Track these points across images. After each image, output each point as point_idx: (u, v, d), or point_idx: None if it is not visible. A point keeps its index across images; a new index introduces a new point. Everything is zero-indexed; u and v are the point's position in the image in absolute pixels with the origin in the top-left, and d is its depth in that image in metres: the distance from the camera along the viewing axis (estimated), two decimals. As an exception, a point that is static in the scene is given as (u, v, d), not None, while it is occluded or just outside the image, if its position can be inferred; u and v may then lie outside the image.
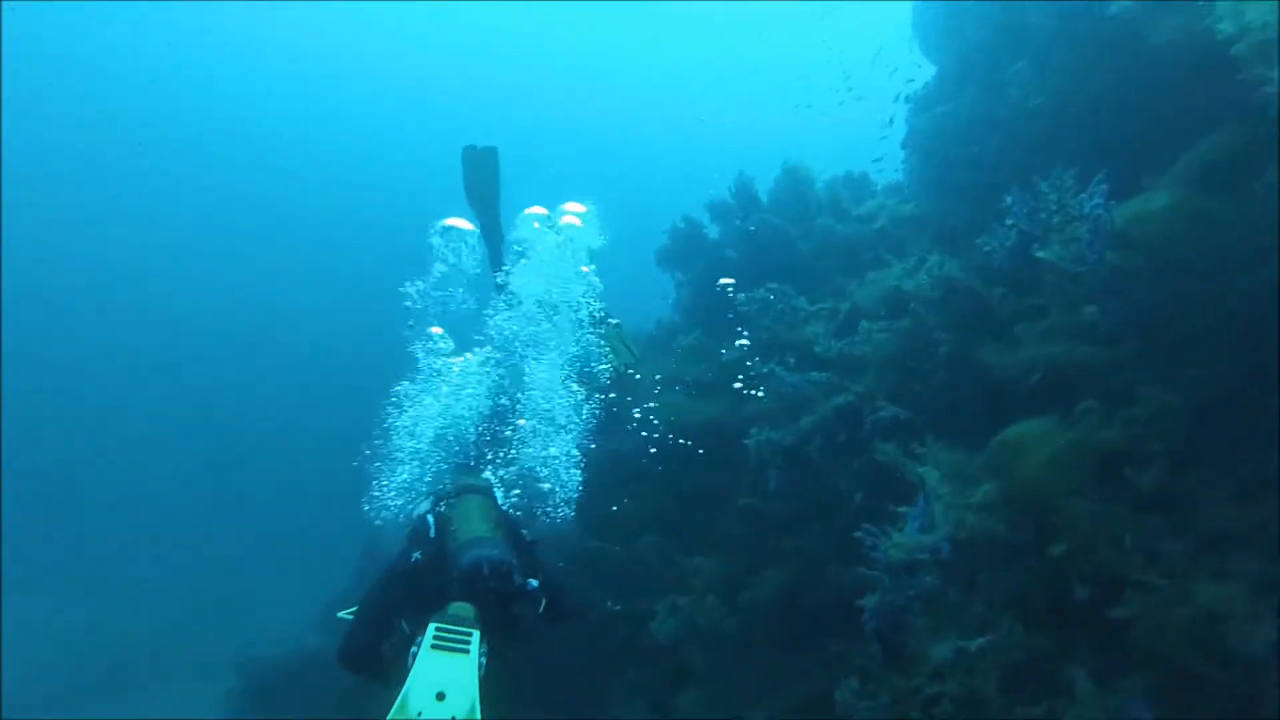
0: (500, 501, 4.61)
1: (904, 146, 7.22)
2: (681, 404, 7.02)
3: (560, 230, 5.78)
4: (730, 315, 7.08)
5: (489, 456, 5.35)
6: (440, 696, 2.88)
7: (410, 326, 5.76)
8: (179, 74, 36.76)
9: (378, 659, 3.56)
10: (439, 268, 5.68)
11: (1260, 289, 4.03)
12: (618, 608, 6.59)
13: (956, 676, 4.41)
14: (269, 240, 39.76)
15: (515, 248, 5.72)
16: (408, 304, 5.70)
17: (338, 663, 3.73)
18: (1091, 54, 5.10)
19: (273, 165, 40.16)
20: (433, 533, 3.76)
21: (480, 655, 3.10)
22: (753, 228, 7.72)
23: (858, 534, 4.79)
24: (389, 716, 2.81)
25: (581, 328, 5.80)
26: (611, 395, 6.90)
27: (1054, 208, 5.09)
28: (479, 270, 5.72)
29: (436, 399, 5.58)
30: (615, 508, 6.96)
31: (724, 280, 7.78)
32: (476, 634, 3.15)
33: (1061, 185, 5.02)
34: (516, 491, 5.09)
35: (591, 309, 5.82)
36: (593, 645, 6.76)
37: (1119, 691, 4.00)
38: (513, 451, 5.44)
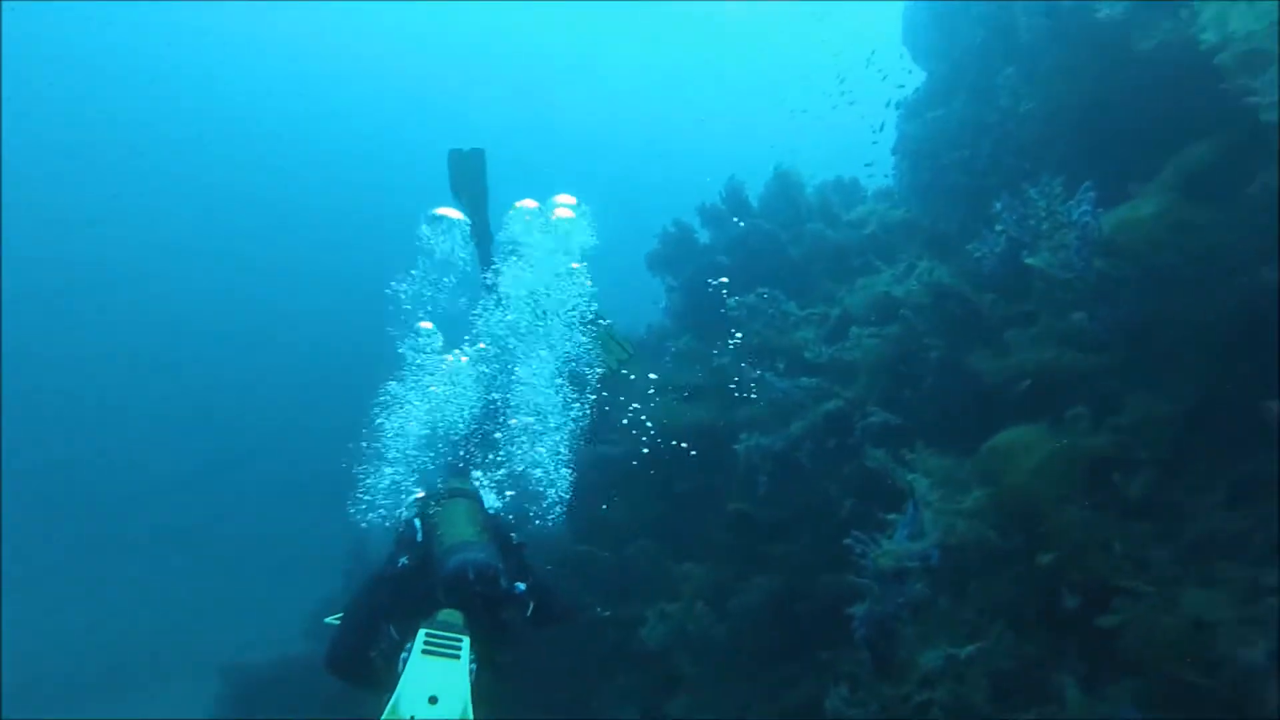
0: (492, 503, 4.61)
1: (894, 152, 7.22)
2: (672, 408, 6.99)
3: (552, 226, 5.75)
4: (722, 310, 7.04)
5: (479, 458, 5.31)
6: (433, 700, 2.88)
7: (401, 321, 5.71)
8: (179, 74, 36.70)
9: (365, 665, 3.54)
10: (426, 260, 5.64)
11: (1244, 296, 4.03)
12: (607, 613, 6.56)
13: (946, 684, 4.40)
14: (269, 240, 39.71)
15: (506, 246, 5.69)
16: (394, 301, 5.67)
17: (325, 669, 3.69)
18: (1080, 60, 5.10)
19: (272, 165, 40.09)
20: (419, 537, 3.73)
21: (470, 661, 3.11)
22: (742, 225, 7.69)
23: (847, 541, 4.78)
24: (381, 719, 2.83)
25: (572, 327, 5.77)
26: (604, 393, 6.86)
27: (1043, 214, 5.10)
28: (469, 264, 5.68)
29: (424, 399, 5.56)
30: (605, 507, 6.94)
31: (719, 279, 7.75)
32: (466, 640, 3.14)
33: (1050, 192, 5.04)
34: (511, 493, 5.06)
35: (582, 309, 5.79)
36: (582, 651, 6.73)
37: (1108, 699, 4.00)
38: (502, 453, 5.41)
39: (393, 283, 5.67)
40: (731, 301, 6.73)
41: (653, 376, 7.33)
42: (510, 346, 5.74)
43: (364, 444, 5.35)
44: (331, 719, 6.71)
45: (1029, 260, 5.13)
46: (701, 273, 7.97)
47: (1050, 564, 4.37)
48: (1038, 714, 4.16)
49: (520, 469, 5.38)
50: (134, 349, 36.62)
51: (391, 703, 2.86)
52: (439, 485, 4.30)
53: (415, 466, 5.25)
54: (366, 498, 5.03)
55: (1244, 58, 3.61)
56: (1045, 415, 4.91)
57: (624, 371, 6.45)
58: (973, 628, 4.49)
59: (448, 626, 3.16)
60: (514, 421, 5.62)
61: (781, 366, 6.31)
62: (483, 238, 5.61)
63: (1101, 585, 4.20)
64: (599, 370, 5.94)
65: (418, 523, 3.85)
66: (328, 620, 3.85)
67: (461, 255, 5.64)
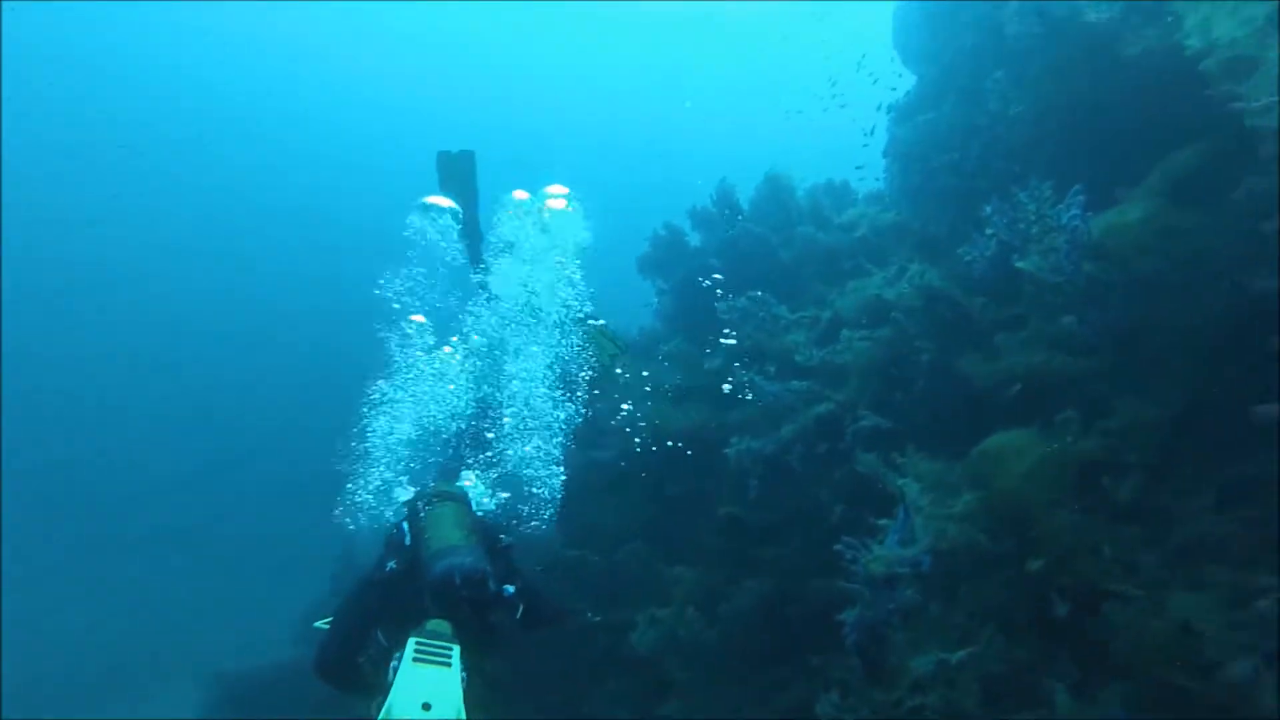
0: (484, 503, 4.60)
1: (885, 155, 7.21)
2: (663, 411, 6.98)
3: (545, 216, 5.72)
4: (715, 308, 7.03)
5: (470, 458, 5.28)
6: (426, 707, 2.87)
7: (391, 316, 5.69)
8: (179, 74, 36.68)
9: (354, 670, 3.53)
10: (416, 249, 5.61)
11: (1229, 300, 4.04)
12: (598, 618, 6.54)
13: (937, 689, 4.41)
14: (268, 240, 39.74)
15: (497, 245, 5.67)
16: (381, 293, 5.65)
17: (314, 674, 3.66)
18: (1069, 63, 5.11)
19: (272, 166, 40.09)
20: (408, 540, 3.72)
21: (461, 669, 3.11)
22: (730, 231, 7.68)
23: (838, 547, 4.78)
24: None
25: (563, 326, 5.74)
26: (596, 392, 6.84)
27: (1032, 218, 5.10)
28: (459, 260, 5.65)
29: (414, 397, 5.54)
30: (596, 515, 6.92)
31: (713, 277, 7.73)
32: (457, 649, 3.15)
33: (1040, 196, 5.04)
34: (505, 494, 5.05)
35: (574, 308, 5.77)
36: (574, 656, 6.71)
37: (1098, 702, 4.01)
38: (493, 453, 5.38)
39: (384, 276, 5.65)
40: (722, 305, 6.72)
41: (645, 374, 7.32)
42: (502, 341, 5.72)
43: (352, 444, 5.33)
44: (321, 720, 6.69)
45: (1019, 264, 5.13)
46: (692, 276, 7.96)
47: (1040, 568, 4.37)
48: (1028, 718, 4.17)
49: (511, 468, 5.36)
50: (134, 349, 36.62)
51: (385, 709, 2.86)
52: (428, 487, 4.29)
53: (404, 466, 5.22)
54: (353, 499, 5.01)
55: (1228, 64, 3.61)
56: (1035, 419, 4.91)
57: (616, 369, 6.43)
58: (963, 632, 4.49)
59: (437, 635, 3.15)
60: (506, 419, 5.60)
61: (772, 370, 6.30)
62: (473, 238, 5.60)
63: (1091, 589, 4.21)
64: (590, 370, 5.93)
65: (406, 526, 3.85)
66: (317, 624, 3.84)
67: (445, 244, 5.60)
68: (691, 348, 7.43)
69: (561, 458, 5.61)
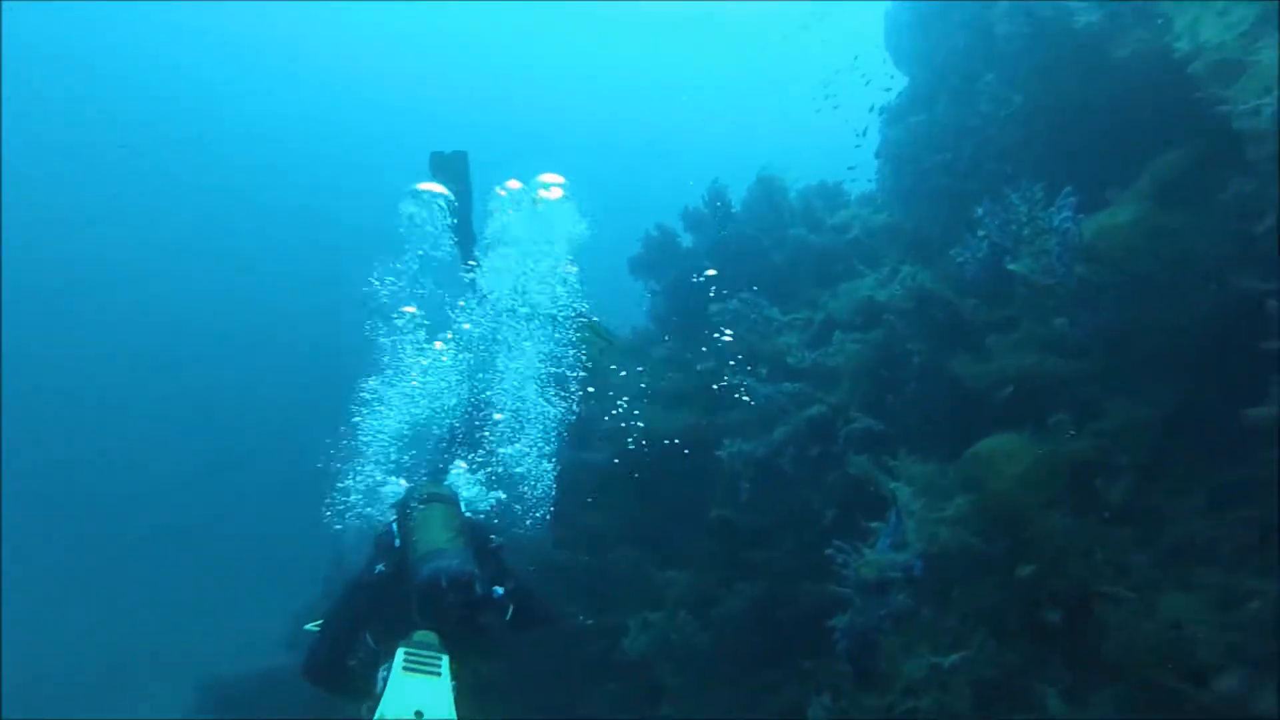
0: (474, 499, 4.59)
1: (878, 156, 7.20)
2: (654, 413, 6.96)
3: (539, 215, 5.69)
4: (706, 309, 6.99)
5: (464, 457, 5.25)
6: (418, 715, 2.87)
7: (382, 308, 5.65)
8: (179, 74, 36.68)
9: (343, 673, 3.52)
10: (407, 236, 5.59)
11: (1218, 302, 4.04)
12: (590, 622, 6.52)
13: (930, 692, 4.41)
14: (269, 240, 39.72)
15: (489, 238, 5.65)
16: (371, 286, 5.63)
17: (302, 677, 3.67)
18: (1059, 65, 5.11)
19: (273, 165, 40.07)
20: (398, 542, 3.70)
21: (450, 679, 3.11)
22: (724, 231, 7.67)
23: (829, 551, 4.77)
24: None
25: (554, 320, 5.71)
26: (590, 389, 6.80)
27: (1024, 220, 5.09)
28: (450, 255, 5.62)
29: (405, 395, 5.51)
30: (588, 517, 6.90)
31: (706, 274, 7.72)
32: (446, 659, 3.14)
33: (1031, 198, 5.04)
34: (498, 494, 5.03)
35: (567, 303, 5.74)
36: (566, 660, 6.70)
37: (1091, 705, 4.01)
38: (484, 452, 5.35)
39: (376, 267, 5.62)
40: (714, 307, 6.71)
41: (637, 375, 7.29)
42: (493, 337, 5.69)
43: (343, 442, 5.31)
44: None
45: (1011, 266, 5.13)
46: (684, 277, 7.95)
47: (1032, 572, 4.37)
48: (1021, 721, 4.17)
49: (502, 467, 5.33)
50: (134, 349, 36.60)
51: (377, 715, 2.86)
52: (418, 488, 4.28)
53: (393, 465, 5.20)
54: (342, 499, 5.00)
55: (1215, 67, 3.61)
56: (1027, 420, 4.91)
57: (605, 363, 6.37)
58: (955, 635, 4.48)
59: (425, 646, 3.14)
60: (498, 416, 5.58)
61: (764, 372, 6.29)
62: (465, 237, 5.58)
63: (1083, 591, 4.21)
64: (581, 369, 5.90)
65: (395, 527, 3.85)
66: (307, 627, 3.83)
67: (436, 231, 5.56)
68: (683, 349, 7.42)
69: (553, 453, 5.59)
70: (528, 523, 5.38)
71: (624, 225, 9.18)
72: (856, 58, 7.95)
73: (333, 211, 40.17)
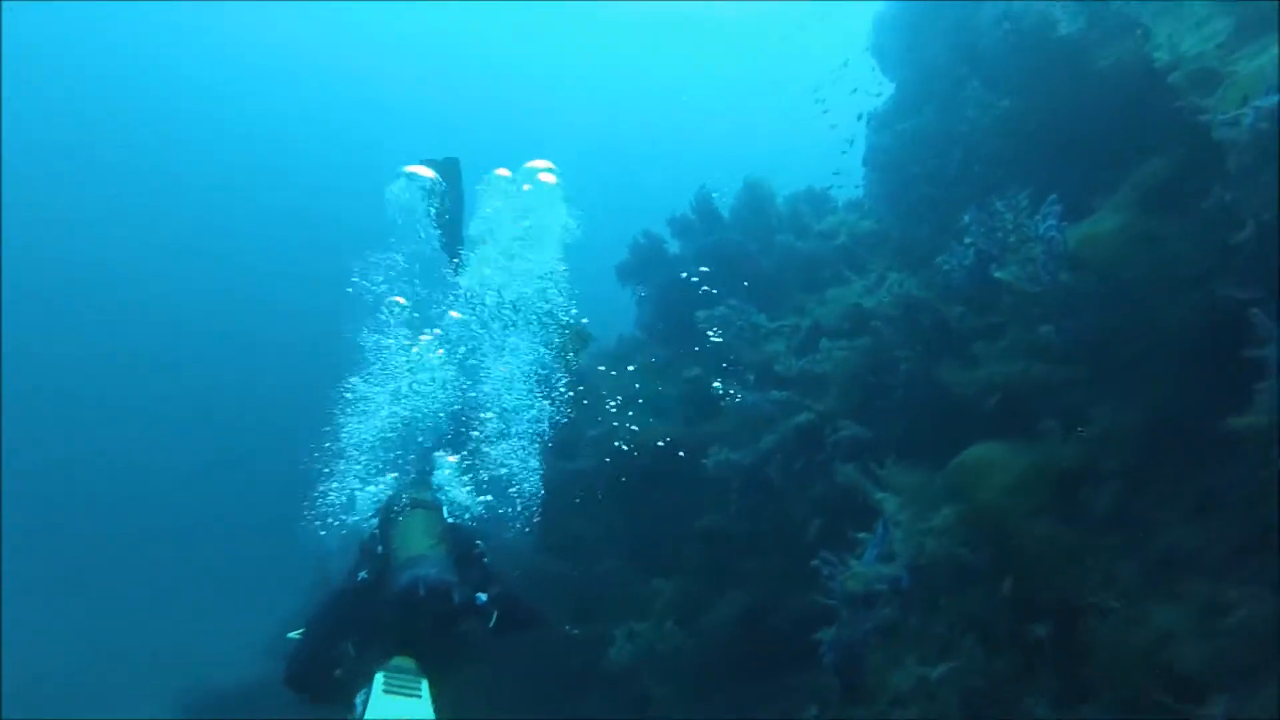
0: (459, 498, 4.57)
1: (865, 163, 7.18)
2: (641, 421, 6.94)
3: (529, 210, 5.66)
4: (693, 316, 6.97)
5: (453, 459, 5.21)
6: None
7: (370, 301, 5.62)
8: (180, 74, 36.64)
9: (324, 681, 3.50)
10: (396, 229, 5.56)
11: (1200, 309, 4.04)
12: (576, 631, 6.48)
13: (918, 702, 4.41)
14: (269, 240, 39.74)
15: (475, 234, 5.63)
16: (361, 278, 5.60)
17: (284, 685, 3.65)
18: (1044, 74, 5.11)
19: (273, 166, 40.07)
20: (380, 548, 3.70)
21: (430, 702, 3.10)
22: (710, 238, 7.65)
23: (815, 563, 4.77)
24: None
25: (540, 318, 5.69)
26: (581, 388, 6.75)
27: (1010, 228, 5.10)
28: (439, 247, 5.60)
29: (392, 393, 5.49)
30: (574, 526, 6.87)
31: (698, 273, 7.70)
32: (425, 682, 3.13)
33: (1017, 205, 5.04)
34: (488, 497, 5.01)
35: (555, 299, 5.72)
36: (552, 670, 6.66)
37: (1080, 716, 4.01)
38: (470, 454, 5.32)
39: (368, 256, 5.59)
40: (701, 314, 6.69)
41: (630, 369, 7.27)
42: (478, 336, 5.67)
43: (326, 444, 5.29)
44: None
45: (997, 274, 5.13)
46: (671, 284, 7.93)
47: (1020, 581, 4.37)
48: (1009, 732, 4.17)
49: (491, 469, 5.31)
50: (135, 349, 36.62)
51: None
52: (400, 494, 4.27)
53: (379, 466, 5.18)
54: (323, 503, 4.98)
55: (1194, 77, 3.61)
56: (1014, 427, 4.91)
57: (581, 362, 6.31)
58: (943, 645, 4.48)
59: (402, 670, 3.12)
60: (487, 415, 5.57)
61: (752, 379, 6.28)
62: (452, 240, 5.57)
63: (1071, 601, 4.21)
64: (563, 366, 5.87)
65: (379, 533, 3.85)
66: (290, 635, 3.83)
67: (426, 213, 5.53)
68: (670, 356, 7.40)
69: (539, 451, 5.57)
70: (515, 524, 5.36)
71: (624, 226, 9.18)
72: (845, 64, 7.93)
73: (333, 211, 40.15)
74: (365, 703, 3.02)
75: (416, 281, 5.66)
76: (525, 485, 5.43)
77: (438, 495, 4.36)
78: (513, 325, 5.65)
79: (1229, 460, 4.11)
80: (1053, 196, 4.72)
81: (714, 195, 8.20)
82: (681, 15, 32.64)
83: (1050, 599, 4.28)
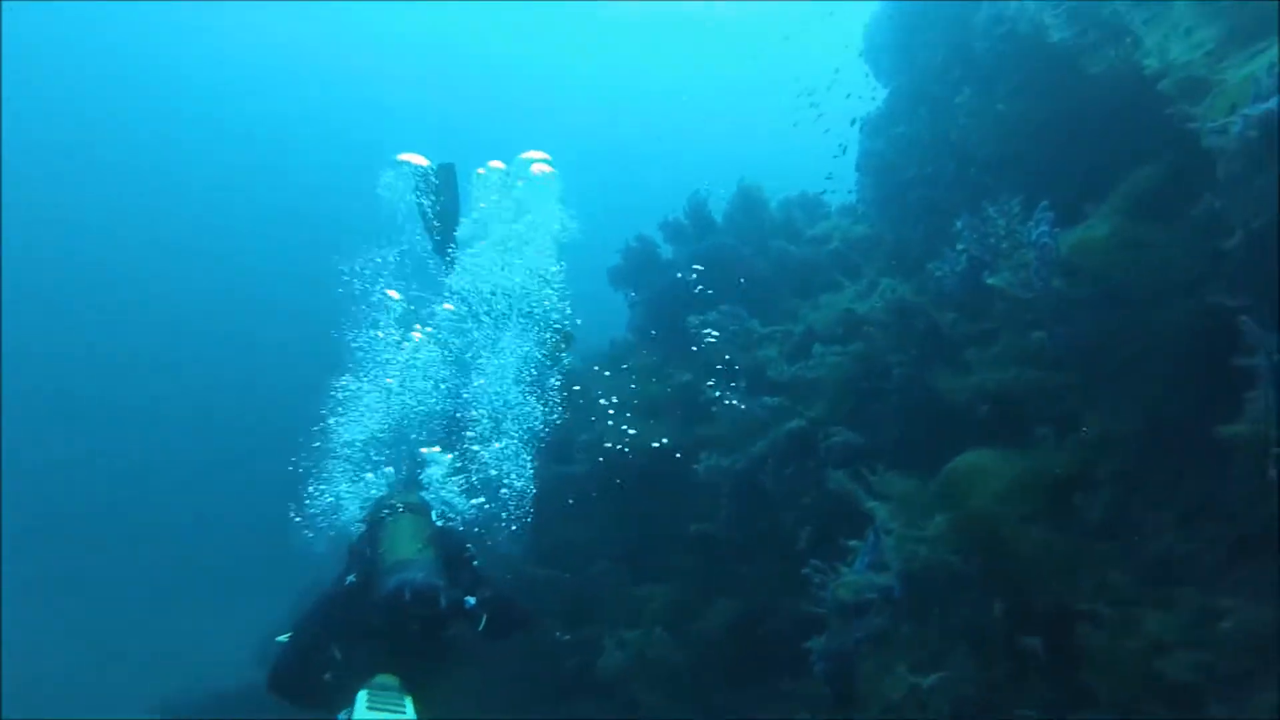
0: (450, 498, 4.56)
1: (858, 168, 7.17)
2: (634, 425, 6.92)
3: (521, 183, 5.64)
4: (686, 320, 6.96)
5: (437, 451, 5.19)
6: None
7: (361, 295, 5.60)
8: (179, 74, 36.65)
9: (308, 685, 3.48)
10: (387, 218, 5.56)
11: (1189, 316, 4.04)
12: (567, 637, 6.45)
13: (910, 711, 4.40)
14: (270, 240, 39.74)
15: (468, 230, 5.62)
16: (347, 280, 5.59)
17: (268, 689, 3.62)
18: (1035, 81, 5.11)
19: (273, 166, 40.03)
20: (369, 551, 3.68)
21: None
22: (702, 244, 7.65)
23: (805, 571, 4.76)
24: None
25: (531, 317, 5.67)
26: (577, 387, 6.73)
27: (1002, 233, 5.09)
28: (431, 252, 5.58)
29: (380, 391, 5.47)
30: (566, 531, 6.86)
31: (692, 275, 7.69)
32: (409, 700, 3.12)
33: (1009, 212, 5.03)
34: (480, 499, 4.99)
35: (544, 310, 5.71)
36: (542, 676, 6.64)
37: (1074, 722, 4.01)
38: (462, 451, 5.31)
39: (360, 250, 5.58)
40: (693, 318, 6.69)
41: (628, 369, 7.24)
42: (469, 334, 5.67)
43: (316, 444, 5.27)
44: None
45: (990, 280, 5.12)
46: (664, 288, 7.91)
47: (1013, 589, 4.37)
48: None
49: (483, 468, 5.30)
50: (135, 349, 36.64)
51: None
52: (389, 497, 4.26)
53: (370, 463, 5.17)
54: (309, 507, 4.97)
55: (1183, 84, 3.60)
56: (1007, 434, 4.91)
57: (560, 356, 6.31)
58: (935, 653, 4.47)
59: (385, 688, 3.12)
60: (480, 413, 5.55)
61: (743, 384, 6.27)
62: (444, 241, 5.57)
63: (1063, 609, 4.20)
64: (551, 366, 5.86)
65: (368, 536, 3.84)
66: (278, 639, 3.80)
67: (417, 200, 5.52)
68: (663, 360, 7.39)
69: (531, 448, 5.56)
70: (506, 523, 5.34)
71: (623, 226, 9.17)
72: (837, 71, 7.93)
73: (334, 211, 40.13)
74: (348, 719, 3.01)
75: (409, 278, 5.65)
76: (514, 480, 5.42)
77: (424, 497, 4.36)
78: (504, 318, 5.63)
79: (1220, 466, 4.11)
80: (1044, 203, 4.71)
81: (708, 200, 8.18)
82: (681, 15, 32.58)
83: (1043, 606, 4.27)
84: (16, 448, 29.57)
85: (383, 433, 5.34)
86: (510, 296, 5.65)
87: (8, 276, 33.59)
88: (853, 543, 4.88)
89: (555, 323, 5.64)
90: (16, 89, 32.85)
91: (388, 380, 5.54)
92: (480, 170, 5.82)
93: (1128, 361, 4.59)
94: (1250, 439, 3.74)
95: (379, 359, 5.57)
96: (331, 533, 4.67)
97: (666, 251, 8.64)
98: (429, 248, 5.63)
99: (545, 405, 5.82)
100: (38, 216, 35.74)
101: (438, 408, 5.62)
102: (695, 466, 6.13)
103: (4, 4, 29.96)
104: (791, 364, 6.10)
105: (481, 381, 5.66)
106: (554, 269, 5.75)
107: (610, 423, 6.87)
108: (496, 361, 5.67)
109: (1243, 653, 3.62)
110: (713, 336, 6.82)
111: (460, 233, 5.62)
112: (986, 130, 5.55)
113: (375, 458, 5.22)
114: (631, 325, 8.77)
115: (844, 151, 7.30)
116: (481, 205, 5.74)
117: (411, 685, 3.16)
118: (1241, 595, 3.80)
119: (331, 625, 3.58)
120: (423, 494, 4.50)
